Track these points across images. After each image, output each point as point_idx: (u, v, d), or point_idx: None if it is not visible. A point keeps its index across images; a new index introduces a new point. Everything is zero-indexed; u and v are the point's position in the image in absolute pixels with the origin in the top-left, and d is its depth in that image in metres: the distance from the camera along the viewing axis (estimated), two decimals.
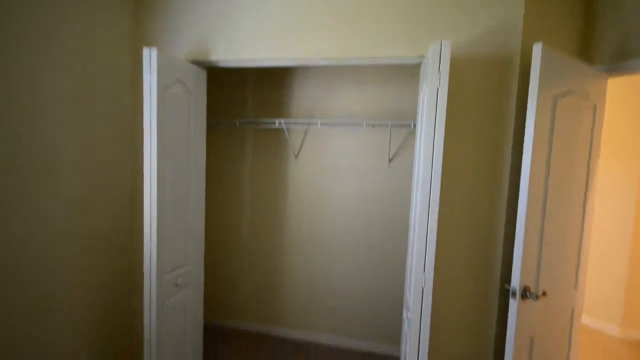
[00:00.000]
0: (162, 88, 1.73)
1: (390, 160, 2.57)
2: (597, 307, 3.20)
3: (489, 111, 1.70)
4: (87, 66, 1.83)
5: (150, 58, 1.69)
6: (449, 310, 1.79)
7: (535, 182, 1.54)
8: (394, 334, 2.66)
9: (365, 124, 2.50)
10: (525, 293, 1.56)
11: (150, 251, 1.80)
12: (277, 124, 2.62)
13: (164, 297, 1.88)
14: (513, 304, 1.53)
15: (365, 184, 2.64)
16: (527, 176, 1.50)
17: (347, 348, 2.74)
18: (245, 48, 1.93)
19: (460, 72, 1.68)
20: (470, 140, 1.72)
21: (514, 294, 1.54)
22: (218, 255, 2.99)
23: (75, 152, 1.78)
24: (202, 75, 2.09)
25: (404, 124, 2.43)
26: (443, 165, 1.41)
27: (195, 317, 2.20)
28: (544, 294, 1.60)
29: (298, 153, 2.73)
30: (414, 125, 2.37)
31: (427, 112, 1.42)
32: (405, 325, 1.89)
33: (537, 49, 1.44)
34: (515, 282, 1.54)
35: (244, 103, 2.84)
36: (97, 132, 1.90)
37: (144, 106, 1.72)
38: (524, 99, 1.64)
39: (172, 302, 1.97)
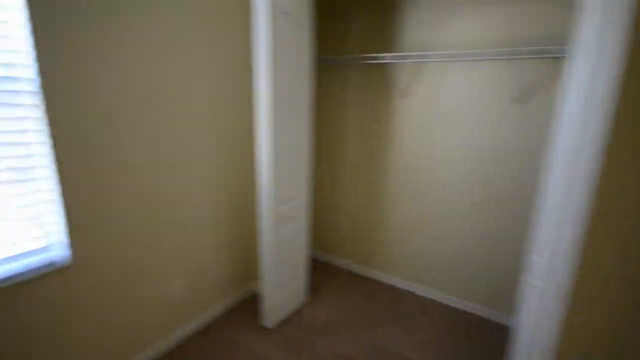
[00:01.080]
0: (272, 17, 1.68)
1: (521, 102, 2.11)
2: None
3: None
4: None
5: None
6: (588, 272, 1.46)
7: None
8: (502, 299, 2.41)
9: (489, 55, 2.08)
10: None
11: (267, 183, 1.95)
12: (384, 58, 2.36)
13: (278, 224, 2.07)
14: None
15: (487, 131, 2.25)
16: None
17: (444, 304, 2.63)
18: None
19: None
20: None
21: None
22: (321, 194, 3.08)
23: (202, 106, 1.94)
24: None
25: (545, 49, 1.89)
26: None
27: (303, 246, 2.37)
28: None
29: (406, 93, 2.48)
30: (560, 53, 1.86)
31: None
32: (526, 293, 1.65)
33: None
34: None
35: (344, 35, 2.64)
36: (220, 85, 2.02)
37: (256, 39, 1.71)
38: None
39: (284, 230, 2.14)
